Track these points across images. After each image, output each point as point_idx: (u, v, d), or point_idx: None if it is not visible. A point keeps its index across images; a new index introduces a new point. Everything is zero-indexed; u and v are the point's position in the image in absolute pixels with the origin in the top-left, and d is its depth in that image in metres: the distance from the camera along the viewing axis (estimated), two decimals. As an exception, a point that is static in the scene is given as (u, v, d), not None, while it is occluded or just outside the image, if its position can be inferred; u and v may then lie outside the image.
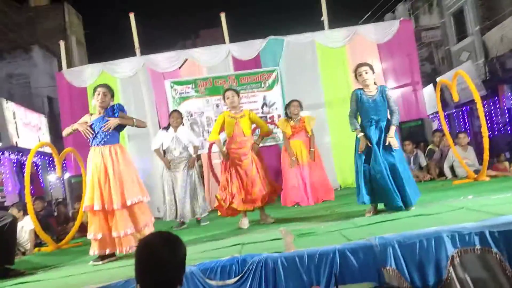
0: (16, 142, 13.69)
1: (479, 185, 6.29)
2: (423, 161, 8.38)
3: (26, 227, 7.00)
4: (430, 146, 8.61)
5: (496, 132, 15.75)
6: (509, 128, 15.54)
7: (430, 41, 20.40)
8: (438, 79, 7.96)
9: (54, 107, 18.56)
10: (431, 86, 15.75)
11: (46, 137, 15.83)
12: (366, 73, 4.78)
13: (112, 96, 4.89)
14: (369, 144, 4.72)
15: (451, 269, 3.21)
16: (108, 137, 4.74)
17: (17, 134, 13.90)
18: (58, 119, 15.31)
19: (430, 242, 3.24)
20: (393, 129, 4.72)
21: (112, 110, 4.81)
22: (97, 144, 4.73)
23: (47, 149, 15.79)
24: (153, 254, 2.03)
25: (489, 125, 15.32)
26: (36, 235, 7.26)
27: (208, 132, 9.39)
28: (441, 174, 8.00)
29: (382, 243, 3.24)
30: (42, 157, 15.79)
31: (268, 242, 3.97)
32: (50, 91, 18.70)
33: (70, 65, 11.96)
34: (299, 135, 7.12)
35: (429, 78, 18.40)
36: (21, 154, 13.80)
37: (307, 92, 9.19)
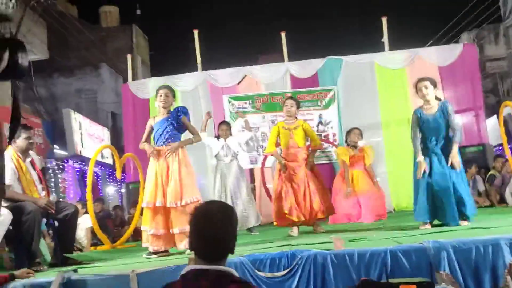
0: (80, 151, 14.37)
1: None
2: (482, 187, 8.09)
3: (84, 225, 7.33)
4: (491, 172, 8.31)
5: None
6: None
7: (495, 72, 19.80)
8: (502, 104, 7.68)
9: (117, 122, 19.42)
10: (494, 117, 15.22)
11: (108, 150, 16.51)
12: (426, 88, 4.71)
13: (174, 96, 5.12)
14: (426, 169, 4.66)
15: (508, 278, 3.09)
16: (172, 138, 4.94)
17: (82, 144, 14.59)
18: (120, 133, 15.99)
19: (487, 249, 3.13)
20: (455, 147, 4.62)
21: (176, 112, 5.01)
22: (161, 145, 4.93)
23: (109, 161, 16.52)
24: (211, 220, 2.09)
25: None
26: (93, 235, 7.59)
27: (263, 147, 9.51)
28: (502, 201, 7.67)
29: (436, 246, 3.17)
30: (103, 168, 16.48)
31: (318, 244, 3.97)
32: (114, 107, 19.60)
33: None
34: (358, 164, 7.00)
35: (493, 110, 17.79)
36: (84, 163, 14.46)
37: (363, 113, 9.17)
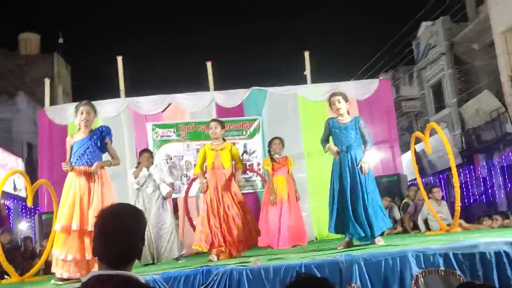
0: (-9, 182, 13.42)
1: (451, 235, 6.34)
2: (397, 215, 8.44)
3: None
4: (405, 200, 8.71)
5: (472, 201, 15.99)
6: (484, 197, 15.81)
7: (410, 111, 21.10)
8: (412, 135, 8.16)
9: (33, 154, 18.43)
10: (409, 153, 16.14)
11: (20, 181, 15.57)
12: (339, 102, 4.96)
13: (95, 113, 4.94)
14: (338, 150, 4.82)
15: (415, 289, 3.20)
16: (95, 158, 4.73)
17: (-7, 174, 13.66)
18: (35, 165, 15.16)
19: (395, 261, 3.24)
20: (366, 154, 4.83)
21: (100, 132, 4.82)
22: (82, 164, 4.69)
23: (22, 193, 15.55)
24: (120, 222, 1.99)
25: (465, 193, 15.59)
26: (0, 270, 7.02)
27: (187, 176, 9.40)
28: (415, 227, 8.04)
29: (348, 259, 3.24)
30: (15, 201, 15.47)
31: (236, 264, 3.92)
32: (31, 137, 18.64)
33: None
34: (282, 171, 7.20)
35: (408, 147, 18.88)
36: (-6, 195, 13.51)
37: (287, 142, 9.33)
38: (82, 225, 4.52)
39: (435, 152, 15.96)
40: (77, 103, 9.71)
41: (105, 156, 5.00)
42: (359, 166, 4.80)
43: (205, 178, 5.77)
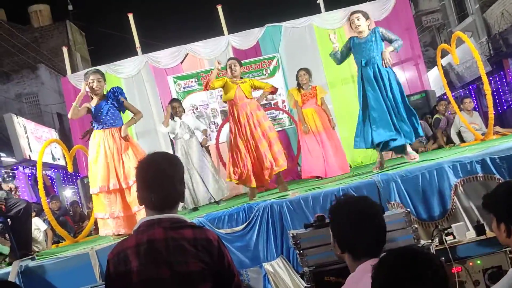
0: (29, 156, 13.90)
1: (487, 143, 6.28)
2: (429, 132, 8.36)
3: (41, 227, 7.13)
4: (436, 116, 8.60)
5: (506, 107, 15.64)
6: (517, 102, 15.42)
7: (431, 25, 20.35)
8: (438, 47, 7.94)
9: (64, 123, 18.86)
10: (435, 69, 15.74)
11: (58, 151, 16.04)
12: (358, 19, 4.86)
13: (105, 80, 5.04)
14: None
15: (455, 198, 3.24)
16: (117, 119, 4.88)
17: (30, 148, 14.11)
18: (68, 134, 15.53)
19: (432, 174, 3.27)
20: (389, 49, 4.76)
21: (113, 93, 4.94)
22: (104, 127, 4.85)
23: (61, 162, 16.07)
24: (158, 168, 2.07)
25: (497, 100, 15.23)
26: (54, 236, 7.40)
27: (215, 123, 9.50)
28: (449, 141, 7.97)
29: (384, 179, 3.28)
30: (56, 170, 16.02)
31: (275, 198, 4.02)
32: (59, 108, 19.01)
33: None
34: (310, 103, 7.08)
35: (433, 62, 18.36)
36: (35, 167, 13.98)
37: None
38: (119, 183, 4.69)
39: (462, 63, 15.52)
40: (97, 67, 9.87)
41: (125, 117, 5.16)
42: (383, 58, 4.71)
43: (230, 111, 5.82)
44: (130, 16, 9.59)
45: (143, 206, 2.15)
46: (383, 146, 4.71)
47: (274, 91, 6.11)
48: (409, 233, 2.70)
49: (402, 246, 1.48)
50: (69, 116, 5.14)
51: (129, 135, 4.97)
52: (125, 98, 5.04)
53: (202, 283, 2.01)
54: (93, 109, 4.97)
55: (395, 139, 4.50)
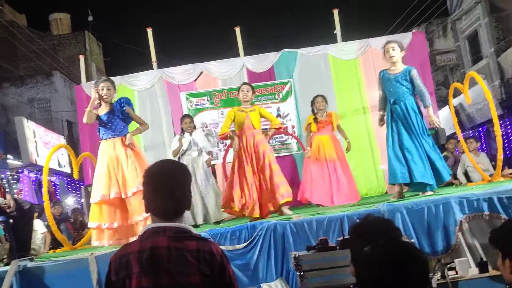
0: (36, 160, 13.97)
1: (494, 183, 6.24)
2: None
3: (40, 230, 7.12)
4: (444, 153, 8.58)
5: (514, 153, 15.59)
6: (526, 148, 15.37)
7: (445, 64, 20.50)
8: (451, 85, 7.97)
9: (73, 131, 19.00)
10: (446, 108, 15.78)
11: (64, 158, 16.12)
12: (394, 50, 4.85)
13: (115, 89, 5.12)
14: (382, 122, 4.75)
15: (459, 234, 3.22)
16: (120, 130, 4.94)
17: (37, 152, 14.19)
18: (77, 142, 15.63)
19: (438, 208, 3.26)
20: (430, 110, 4.72)
21: (119, 104, 5.03)
22: (109, 137, 4.91)
23: (66, 170, 16.12)
24: (168, 176, 2.09)
25: (506, 144, 15.20)
26: (52, 241, 7.38)
27: (223, 142, 9.52)
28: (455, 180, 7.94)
29: (390, 209, 3.27)
30: (61, 177, 16.06)
31: (280, 219, 4.01)
32: (70, 115, 19.19)
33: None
34: (326, 129, 7.10)
35: (445, 101, 18.43)
36: (40, 172, 14.04)
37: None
38: (120, 192, 4.71)
39: (474, 104, 15.54)
40: (111, 78, 9.99)
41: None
42: (431, 123, 4.70)
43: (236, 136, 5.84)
44: (149, 30, 9.73)
45: (148, 214, 2.16)
46: (416, 185, 4.66)
47: (280, 129, 6.19)
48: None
49: (388, 243, 1.51)
50: (84, 120, 5.20)
51: (135, 143, 5.02)
52: (132, 109, 5.11)
53: (201, 295, 2.00)
54: (100, 117, 5.04)
55: (430, 185, 4.50)
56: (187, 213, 6.83)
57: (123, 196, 4.71)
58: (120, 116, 4.99)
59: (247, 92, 5.81)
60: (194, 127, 7.17)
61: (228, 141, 9.31)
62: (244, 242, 3.29)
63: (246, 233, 3.33)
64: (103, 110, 5.03)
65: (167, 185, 2.06)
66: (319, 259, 2.68)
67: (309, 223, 3.28)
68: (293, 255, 2.83)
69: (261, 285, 3.22)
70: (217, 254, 2.06)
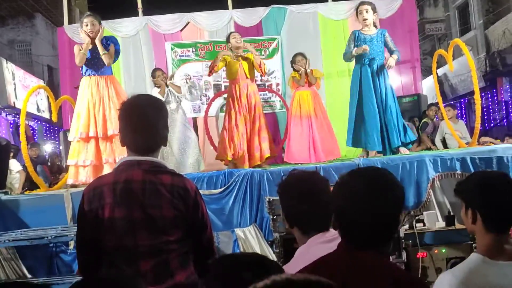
0: (14, 103, 13.73)
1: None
2: (414, 134, 8.45)
3: (15, 169, 7.07)
4: (424, 120, 8.70)
5: (493, 125, 15.87)
6: (505, 121, 15.65)
7: (433, 33, 20.45)
8: (435, 52, 7.98)
9: (54, 77, 18.61)
10: (430, 78, 15.86)
11: (44, 102, 15.87)
12: (367, 12, 4.86)
13: (100, 24, 4.99)
14: (366, 48, 4.78)
15: (431, 191, 3.30)
16: (103, 68, 4.86)
17: (16, 95, 13.93)
18: (57, 88, 15.32)
19: (412, 165, 3.33)
20: (394, 57, 4.77)
21: (106, 41, 4.93)
22: (92, 74, 4.85)
23: (45, 115, 15.89)
24: (143, 114, 2.06)
25: (485, 117, 15.44)
26: (27, 182, 7.34)
27: (206, 96, 9.46)
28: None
29: (366, 163, 3.33)
30: (39, 122, 15.85)
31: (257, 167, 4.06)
32: (51, 60, 18.74)
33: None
34: (306, 85, 7.00)
35: (430, 71, 18.49)
36: (18, 116, 13.83)
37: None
38: (96, 131, 4.70)
39: (457, 75, 15.65)
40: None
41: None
42: (387, 63, 4.75)
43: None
44: (136, -25, 9.47)
45: (125, 147, 2.15)
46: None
47: (262, 72, 6.12)
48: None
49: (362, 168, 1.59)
50: (77, 62, 5.04)
51: (119, 85, 4.96)
52: (116, 49, 4.99)
53: (173, 229, 2.03)
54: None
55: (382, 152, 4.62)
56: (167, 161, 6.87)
57: (101, 136, 4.69)
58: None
59: (239, 37, 5.75)
60: (167, 78, 7.09)
61: (211, 95, 9.31)
62: (221, 187, 3.32)
63: (223, 178, 3.36)
64: (86, 47, 4.92)
65: (141, 122, 2.05)
66: (293, 204, 2.73)
67: (285, 172, 3.32)
68: (268, 199, 2.88)
69: (235, 230, 3.28)
70: (191, 190, 2.07)
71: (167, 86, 6.95)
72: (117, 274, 1.61)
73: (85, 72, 4.92)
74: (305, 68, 7.01)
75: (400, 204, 1.53)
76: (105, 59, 4.91)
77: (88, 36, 4.91)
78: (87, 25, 4.91)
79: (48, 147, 16.49)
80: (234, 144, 5.38)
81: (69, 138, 4.98)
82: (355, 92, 4.91)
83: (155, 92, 7.19)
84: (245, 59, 5.70)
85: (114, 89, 4.85)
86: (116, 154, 4.64)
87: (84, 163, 4.67)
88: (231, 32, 5.92)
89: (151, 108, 2.09)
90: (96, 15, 5.07)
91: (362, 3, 4.99)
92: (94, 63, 4.86)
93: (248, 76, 5.66)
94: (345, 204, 1.52)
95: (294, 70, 7.29)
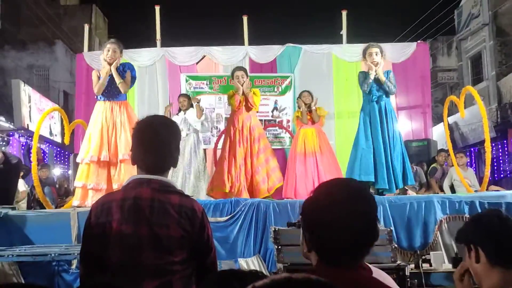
0: (28, 125, 13.89)
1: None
2: (423, 179, 8.42)
3: (20, 189, 7.10)
4: (433, 165, 8.67)
5: (502, 176, 15.73)
6: (515, 173, 15.52)
7: (445, 82, 20.62)
8: (447, 98, 8.03)
9: (69, 102, 18.89)
10: (441, 125, 15.88)
11: (57, 127, 16.05)
12: (377, 54, 4.93)
13: (121, 53, 5.11)
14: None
15: (438, 233, 3.27)
16: (118, 94, 4.95)
17: (30, 117, 14.11)
18: (71, 114, 15.54)
19: (420, 205, 3.31)
20: (381, 71, 4.87)
21: (122, 67, 5.03)
22: (106, 100, 4.93)
23: (57, 139, 16.04)
24: (155, 131, 2.10)
25: (495, 168, 15.34)
26: (34, 202, 7.37)
27: (217, 128, 9.56)
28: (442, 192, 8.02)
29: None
30: (51, 145, 15.98)
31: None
32: (67, 86, 19.07)
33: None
34: (310, 123, 7.07)
35: (441, 119, 18.53)
36: (30, 138, 13.97)
37: (318, 101, 9.32)
38: (109, 156, 4.73)
39: (468, 124, 15.66)
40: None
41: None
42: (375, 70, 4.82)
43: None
44: (157, 8, 9.75)
45: (135, 166, 2.17)
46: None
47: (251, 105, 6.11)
48: (388, 251, 2.72)
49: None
50: (96, 91, 5.12)
51: (133, 111, 5.03)
52: (133, 76, 5.09)
53: (178, 249, 2.03)
54: (100, 78, 5.05)
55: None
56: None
57: (113, 160, 4.73)
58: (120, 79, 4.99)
59: (242, 78, 5.85)
60: (191, 106, 7.23)
61: (221, 127, 9.39)
62: (227, 216, 3.32)
63: (229, 207, 3.36)
64: (103, 72, 5.03)
65: (152, 140, 2.08)
66: (297, 235, 2.69)
67: (292, 205, 3.33)
68: (273, 229, 2.87)
69: (238, 259, 3.25)
70: (199, 211, 2.08)
71: (192, 106, 7.12)
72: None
73: (100, 97, 5.01)
74: (306, 104, 7.10)
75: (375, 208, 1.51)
76: (121, 87, 5.01)
77: (107, 62, 5.02)
78: (108, 50, 5.03)
79: (57, 171, 16.58)
80: (231, 176, 5.30)
81: (77, 160, 5.01)
82: (362, 127, 4.94)
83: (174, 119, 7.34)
84: (248, 93, 5.80)
85: (126, 114, 4.92)
86: (125, 179, 4.65)
87: (98, 186, 4.68)
88: (236, 69, 6.05)
89: (164, 129, 2.13)
90: (119, 43, 5.19)
91: (371, 46, 5.10)
92: (110, 89, 4.96)
93: (252, 109, 5.73)
94: (322, 216, 1.49)
95: (298, 106, 7.39)
